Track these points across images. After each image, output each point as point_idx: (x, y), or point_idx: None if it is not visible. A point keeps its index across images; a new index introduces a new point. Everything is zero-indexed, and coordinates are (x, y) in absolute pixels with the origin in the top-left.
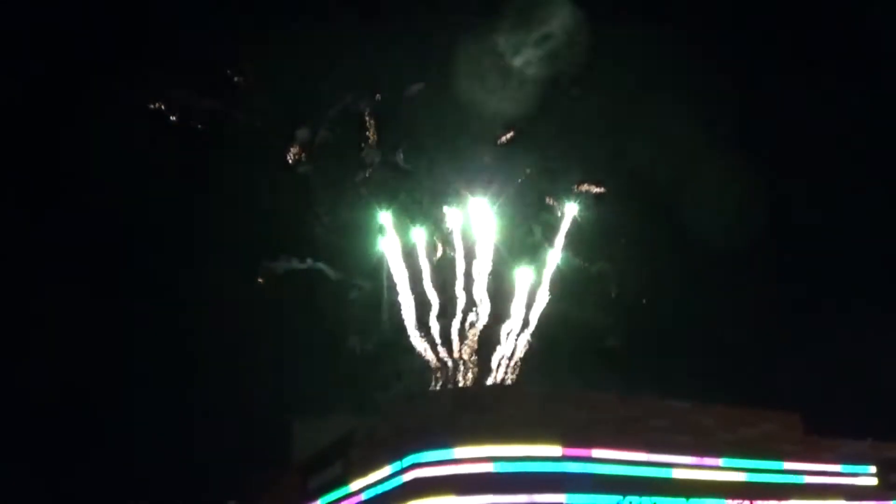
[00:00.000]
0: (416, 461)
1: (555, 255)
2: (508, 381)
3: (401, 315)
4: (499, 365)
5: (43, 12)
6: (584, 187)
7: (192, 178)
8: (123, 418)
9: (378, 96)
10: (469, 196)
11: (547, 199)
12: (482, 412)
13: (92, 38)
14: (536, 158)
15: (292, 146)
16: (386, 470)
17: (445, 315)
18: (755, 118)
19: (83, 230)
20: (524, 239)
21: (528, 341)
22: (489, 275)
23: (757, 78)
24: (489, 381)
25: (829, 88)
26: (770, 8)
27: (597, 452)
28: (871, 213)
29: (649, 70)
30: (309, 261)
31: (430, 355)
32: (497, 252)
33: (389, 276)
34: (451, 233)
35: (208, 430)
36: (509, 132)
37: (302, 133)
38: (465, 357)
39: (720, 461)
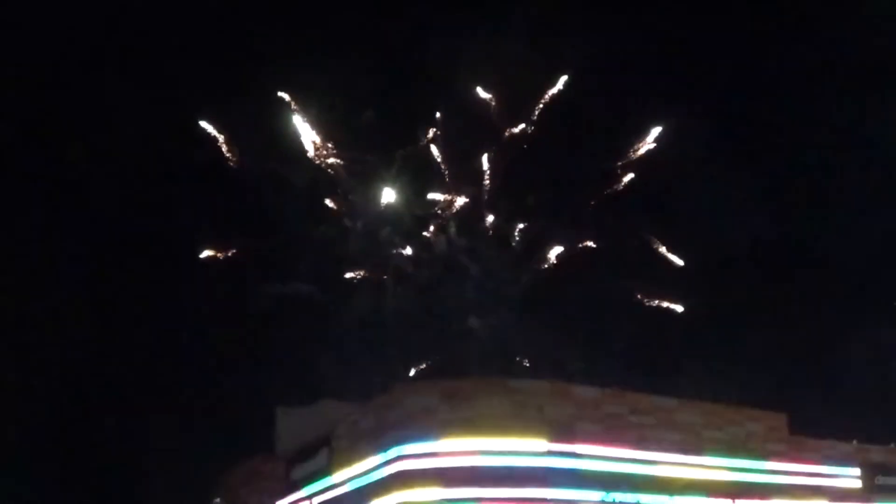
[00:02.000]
0: (401, 453)
1: None
2: None
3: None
4: None
5: None
6: None
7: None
8: (106, 412)
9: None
10: None
11: None
12: (468, 405)
13: None
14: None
15: None
16: (370, 461)
17: None
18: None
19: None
20: None
21: None
22: None
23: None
24: None
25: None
26: None
27: (581, 448)
28: (857, 215)
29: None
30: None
31: None
32: None
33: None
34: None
35: (188, 421)
36: None
37: None
38: None
39: (705, 459)
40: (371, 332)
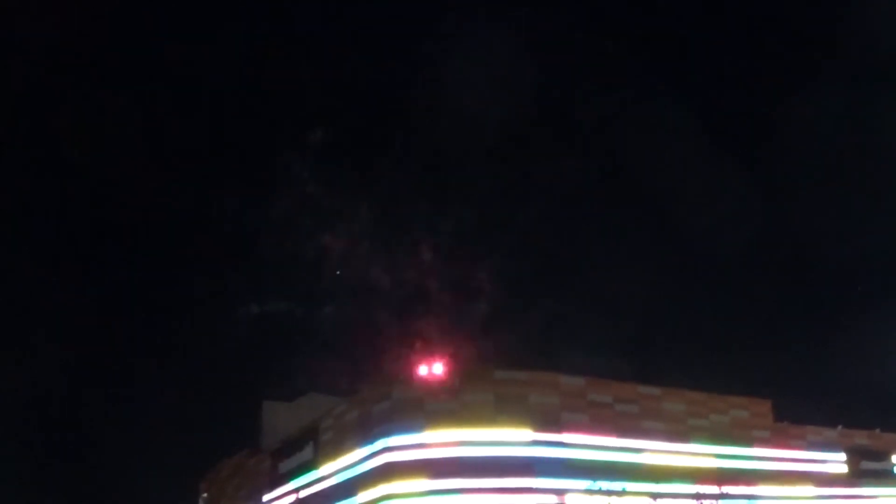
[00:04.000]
0: (387, 445)
1: None
2: None
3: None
4: None
5: None
6: None
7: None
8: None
9: None
10: None
11: None
12: (453, 396)
13: None
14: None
15: None
16: (356, 453)
17: None
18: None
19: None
20: None
21: None
22: None
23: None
24: None
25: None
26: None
27: (567, 437)
28: (842, 210)
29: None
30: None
31: None
32: None
33: None
34: None
35: (176, 416)
36: None
37: None
38: None
39: (690, 446)
40: (349, 337)
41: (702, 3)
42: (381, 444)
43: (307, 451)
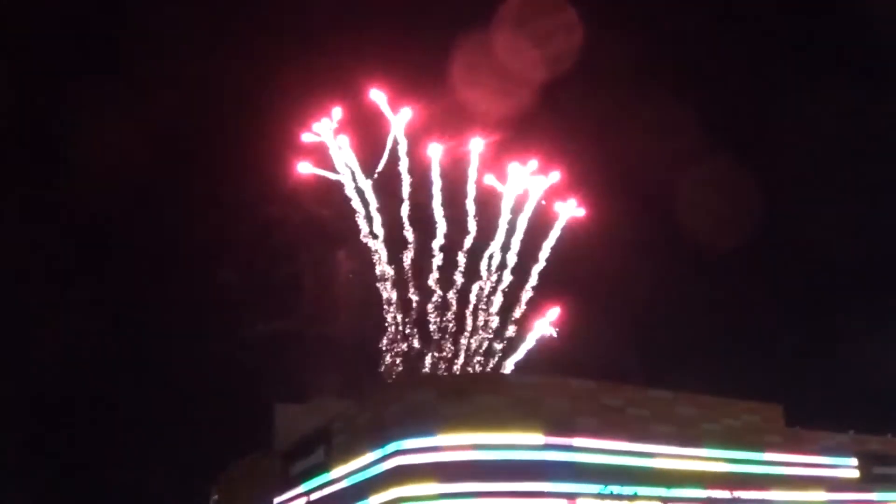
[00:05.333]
0: (399, 448)
1: None
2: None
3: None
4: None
5: None
6: None
7: None
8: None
9: None
10: None
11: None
12: (465, 400)
13: None
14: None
15: None
16: (368, 457)
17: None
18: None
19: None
20: None
21: None
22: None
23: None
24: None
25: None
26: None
27: (578, 441)
28: (853, 213)
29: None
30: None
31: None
32: None
33: None
34: None
35: (189, 418)
36: None
37: None
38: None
39: (702, 451)
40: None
41: (702, 2)
42: (392, 447)
43: (319, 454)
